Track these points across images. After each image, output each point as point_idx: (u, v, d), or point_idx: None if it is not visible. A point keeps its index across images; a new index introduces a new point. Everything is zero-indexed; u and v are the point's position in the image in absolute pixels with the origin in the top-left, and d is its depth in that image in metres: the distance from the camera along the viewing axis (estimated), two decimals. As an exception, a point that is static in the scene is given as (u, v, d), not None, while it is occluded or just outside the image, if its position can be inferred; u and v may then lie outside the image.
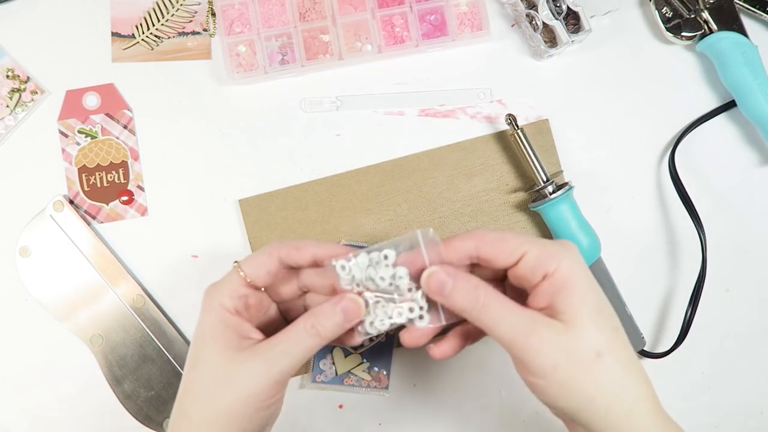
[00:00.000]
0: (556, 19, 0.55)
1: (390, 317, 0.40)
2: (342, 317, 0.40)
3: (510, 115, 0.54)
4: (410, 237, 0.40)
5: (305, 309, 0.47)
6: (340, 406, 0.57)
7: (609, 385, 0.38)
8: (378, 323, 0.41)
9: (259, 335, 0.43)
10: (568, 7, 0.55)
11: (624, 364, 0.38)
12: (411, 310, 0.40)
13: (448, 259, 0.40)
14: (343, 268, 0.41)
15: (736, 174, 0.58)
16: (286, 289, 0.46)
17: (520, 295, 0.41)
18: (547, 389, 0.38)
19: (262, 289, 0.44)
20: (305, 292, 0.47)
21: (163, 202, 0.57)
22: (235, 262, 0.43)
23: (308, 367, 0.56)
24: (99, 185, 0.57)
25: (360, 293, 0.41)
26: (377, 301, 0.41)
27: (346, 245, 0.45)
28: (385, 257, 0.40)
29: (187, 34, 0.58)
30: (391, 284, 0.40)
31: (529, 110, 0.58)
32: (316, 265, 0.44)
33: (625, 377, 0.38)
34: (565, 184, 0.55)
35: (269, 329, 0.44)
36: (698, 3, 0.57)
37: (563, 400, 0.38)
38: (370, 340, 0.56)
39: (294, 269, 0.45)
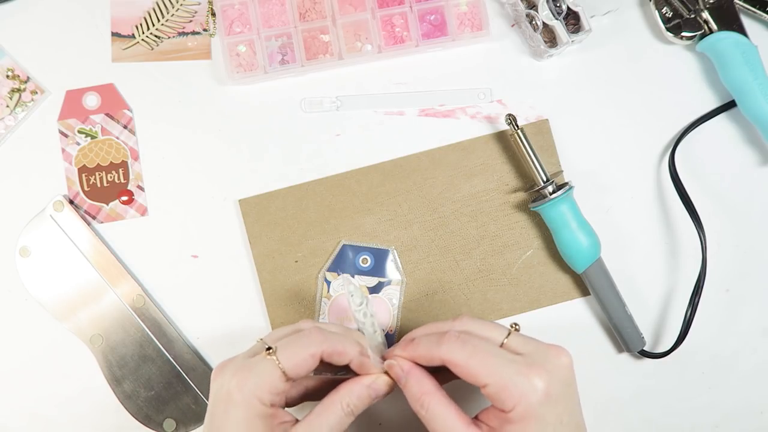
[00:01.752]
0: (556, 19, 0.55)
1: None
2: (374, 394, 0.43)
3: (510, 115, 0.54)
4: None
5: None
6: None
7: None
8: None
9: (289, 416, 0.43)
10: (568, 7, 0.55)
11: None
12: None
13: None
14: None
15: (736, 174, 0.58)
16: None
17: None
18: None
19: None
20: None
21: (163, 202, 0.57)
22: (269, 348, 0.42)
23: (308, 367, 0.56)
24: (99, 185, 0.57)
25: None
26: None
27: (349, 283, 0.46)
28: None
29: (187, 34, 0.58)
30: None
31: (529, 110, 0.58)
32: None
33: None
34: (565, 184, 0.55)
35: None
36: (698, 3, 0.57)
37: None
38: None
39: None
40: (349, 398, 0.43)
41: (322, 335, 0.43)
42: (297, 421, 0.43)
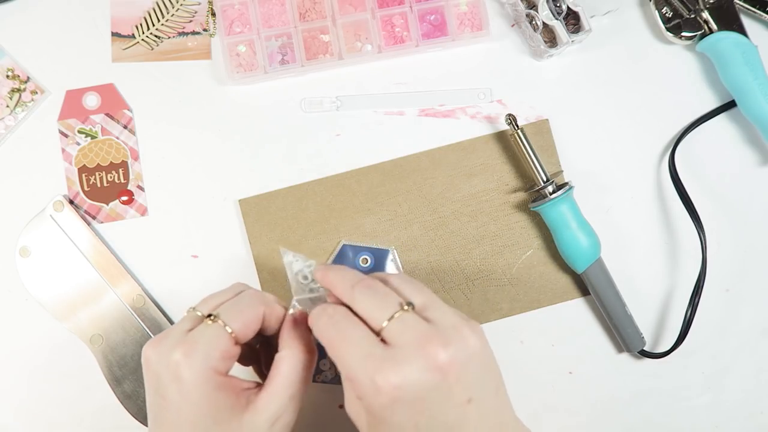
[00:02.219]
0: (556, 19, 0.55)
1: None
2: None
3: (510, 115, 0.54)
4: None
5: None
6: (340, 406, 0.57)
7: None
8: None
9: (248, 383, 0.41)
10: (568, 7, 0.55)
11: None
12: None
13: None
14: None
15: (736, 174, 0.58)
16: None
17: None
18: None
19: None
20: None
21: (163, 202, 0.57)
22: (210, 315, 0.40)
23: (308, 367, 0.56)
24: (99, 185, 0.57)
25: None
26: None
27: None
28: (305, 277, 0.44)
29: (187, 34, 0.58)
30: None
31: (529, 110, 0.58)
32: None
33: None
34: (565, 184, 0.55)
35: None
36: (698, 3, 0.57)
37: None
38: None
39: None
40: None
41: (261, 295, 0.42)
42: (258, 384, 0.41)
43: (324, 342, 0.38)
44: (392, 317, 0.37)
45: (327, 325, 0.38)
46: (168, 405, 0.38)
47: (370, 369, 0.35)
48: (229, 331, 0.39)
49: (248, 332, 0.40)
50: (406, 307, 0.37)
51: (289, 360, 0.40)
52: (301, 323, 0.43)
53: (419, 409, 0.35)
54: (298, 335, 0.42)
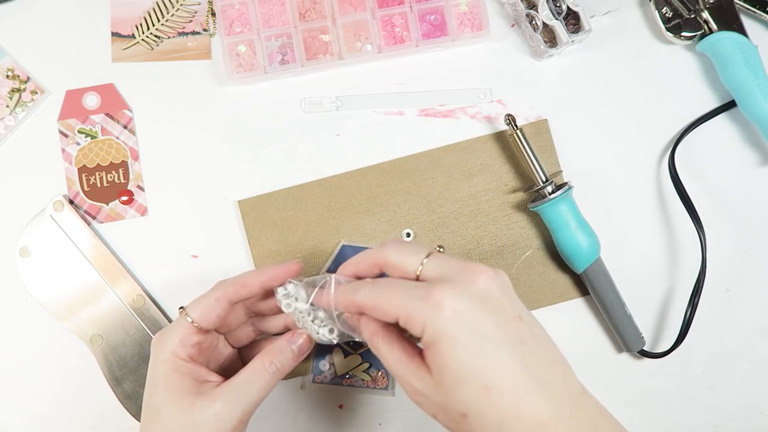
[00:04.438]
0: (556, 19, 0.55)
1: (319, 334, 0.45)
2: (297, 352, 0.44)
3: (509, 115, 0.54)
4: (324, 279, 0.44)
5: (253, 332, 0.49)
6: (340, 406, 0.57)
7: None
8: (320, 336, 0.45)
9: (216, 378, 0.44)
10: (568, 7, 0.55)
11: (490, 425, 0.37)
12: (331, 331, 0.45)
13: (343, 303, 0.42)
14: (285, 295, 0.45)
15: (736, 174, 0.58)
16: (234, 319, 0.48)
17: None
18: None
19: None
20: (251, 316, 0.49)
21: (163, 202, 0.57)
22: (181, 307, 0.45)
23: (308, 368, 0.56)
24: (99, 185, 0.57)
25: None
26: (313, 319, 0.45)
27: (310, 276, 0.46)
28: (296, 298, 0.44)
29: (187, 34, 0.58)
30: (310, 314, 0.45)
31: (529, 110, 0.58)
32: (265, 293, 0.46)
33: None
34: (565, 184, 0.55)
35: (222, 365, 0.46)
36: (698, 3, 0.57)
37: None
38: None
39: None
40: (272, 356, 0.44)
41: (224, 281, 0.45)
42: (224, 381, 0.44)
43: (369, 304, 0.39)
44: (428, 256, 0.39)
45: (368, 289, 0.40)
46: (147, 383, 0.44)
47: (424, 296, 0.37)
48: (189, 319, 0.43)
49: (209, 318, 0.44)
50: (439, 249, 0.40)
51: (258, 372, 0.43)
52: (300, 348, 0.45)
53: (480, 320, 0.37)
54: (282, 351, 0.44)
